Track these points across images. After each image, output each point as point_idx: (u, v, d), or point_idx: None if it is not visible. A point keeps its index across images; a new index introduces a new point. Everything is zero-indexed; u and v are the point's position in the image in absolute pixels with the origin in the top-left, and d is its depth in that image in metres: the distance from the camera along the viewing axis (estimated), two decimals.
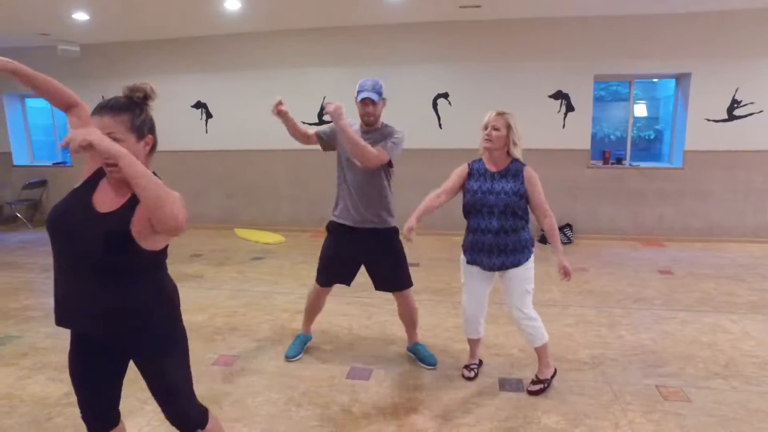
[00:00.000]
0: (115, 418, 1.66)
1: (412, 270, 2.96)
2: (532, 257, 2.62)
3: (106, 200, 1.41)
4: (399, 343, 3.28)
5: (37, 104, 8.36)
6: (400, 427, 2.37)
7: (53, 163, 8.04)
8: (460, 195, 2.67)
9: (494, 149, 2.50)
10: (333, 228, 2.90)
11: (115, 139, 1.32)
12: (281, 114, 2.75)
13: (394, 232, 2.86)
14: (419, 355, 3.02)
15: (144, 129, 1.43)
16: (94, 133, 1.22)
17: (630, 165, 6.26)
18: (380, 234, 2.81)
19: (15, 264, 5.53)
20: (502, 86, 6.05)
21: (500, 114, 2.49)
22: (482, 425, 2.38)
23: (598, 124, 6.67)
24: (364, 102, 2.67)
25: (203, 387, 2.73)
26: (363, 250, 2.84)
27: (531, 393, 2.63)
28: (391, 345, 3.25)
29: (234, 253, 5.83)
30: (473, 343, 2.88)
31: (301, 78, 6.62)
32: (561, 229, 6.07)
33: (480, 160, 2.63)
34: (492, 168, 2.56)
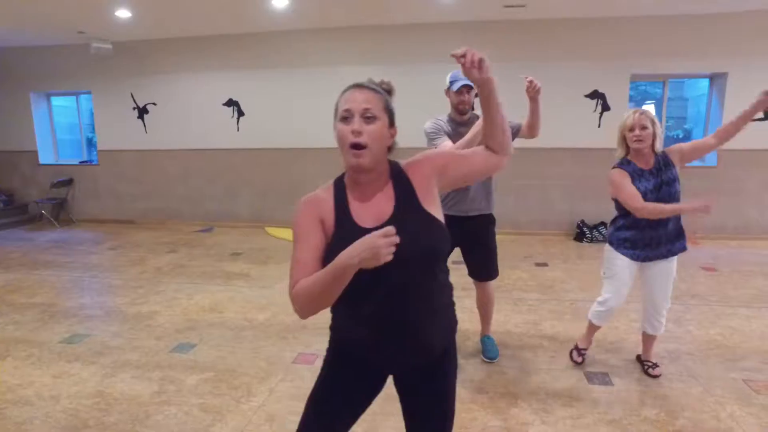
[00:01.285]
0: None
1: (454, 266, 2.99)
2: None
3: (378, 216, 1.27)
4: (474, 337, 3.31)
5: (61, 103, 8.31)
6: (504, 421, 2.40)
7: (79, 162, 8.00)
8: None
9: (645, 147, 2.54)
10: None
11: (373, 116, 1.24)
12: None
13: (494, 220, 2.95)
14: (484, 347, 3.10)
15: (393, 117, 1.32)
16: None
17: None
18: (483, 219, 2.89)
19: (54, 263, 5.49)
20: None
21: (642, 112, 2.55)
22: (585, 418, 2.41)
23: None
24: (461, 91, 2.71)
25: (293, 386, 2.75)
26: (465, 235, 2.84)
27: (657, 375, 2.78)
28: (467, 341, 3.28)
29: (273, 252, 5.83)
30: (595, 330, 2.94)
31: (335, 76, 6.60)
32: (596, 226, 6.12)
33: (627, 162, 2.62)
34: (645, 166, 2.59)
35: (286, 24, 6.22)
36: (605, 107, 6.09)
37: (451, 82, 2.76)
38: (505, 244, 4.82)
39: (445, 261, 1.37)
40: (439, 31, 6.18)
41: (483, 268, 2.97)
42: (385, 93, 1.32)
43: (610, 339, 3.31)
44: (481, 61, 1.19)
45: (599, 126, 6.14)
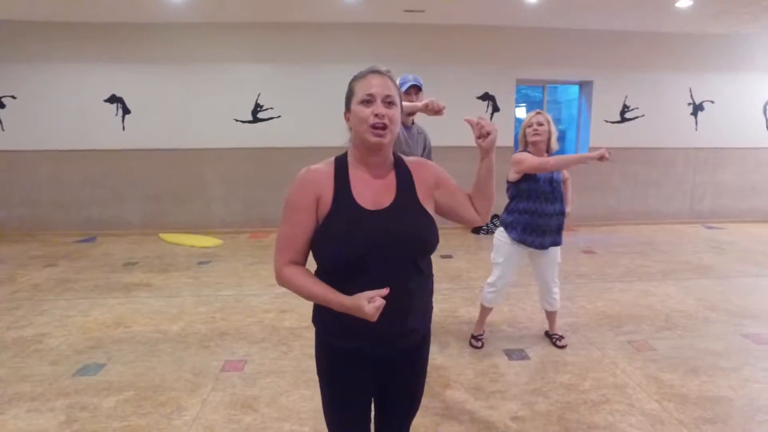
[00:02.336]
0: None
1: None
2: None
3: (378, 200, 1.30)
4: None
5: None
6: (443, 402, 2.55)
7: None
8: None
9: (541, 141, 2.85)
10: None
11: (393, 102, 1.27)
12: None
13: None
14: None
15: (402, 104, 1.38)
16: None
17: None
18: None
19: None
20: (434, 87, 6.34)
21: (539, 113, 2.90)
22: (511, 390, 2.66)
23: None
24: (408, 92, 2.85)
25: (226, 394, 2.62)
26: None
27: (564, 346, 3.15)
28: None
29: (173, 258, 5.41)
30: (487, 313, 3.19)
31: (232, 73, 6.33)
32: (491, 218, 6.67)
33: (528, 151, 2.92)
34: None
35: (177, 16, 5.78)
36: (495, 108, 6.66)
37: (400, 85, 2.87)
38: None
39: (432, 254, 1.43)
40: (341, 31, 6.23)
41: None
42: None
43: (520, 319, 3.66)
44: (488, 133, 1.31)
45: None
